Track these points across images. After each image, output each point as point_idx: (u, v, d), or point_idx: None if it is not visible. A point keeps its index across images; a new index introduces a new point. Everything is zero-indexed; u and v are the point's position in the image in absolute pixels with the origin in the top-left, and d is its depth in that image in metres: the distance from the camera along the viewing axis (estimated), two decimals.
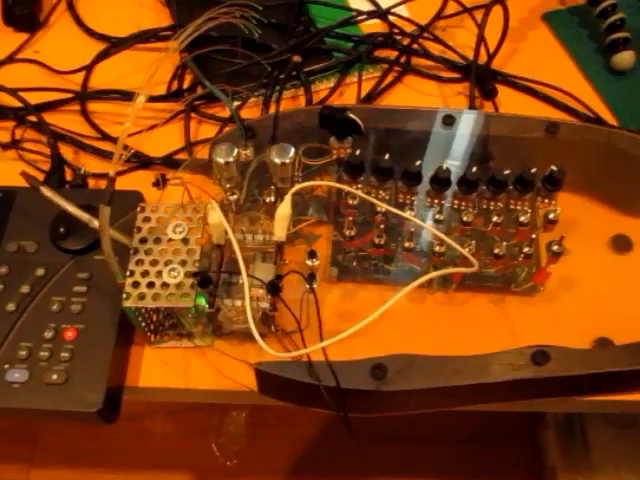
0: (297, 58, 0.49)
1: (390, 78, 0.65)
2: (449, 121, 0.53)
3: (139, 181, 0.55)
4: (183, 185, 0.51)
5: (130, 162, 0.58)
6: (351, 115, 0.48)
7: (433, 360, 0.43)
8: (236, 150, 0.47)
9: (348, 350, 0.44)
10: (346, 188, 0.43)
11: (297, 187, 0.43)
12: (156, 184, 0.52)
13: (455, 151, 0.53)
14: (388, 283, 0.52)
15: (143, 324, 0.47)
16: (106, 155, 0.59)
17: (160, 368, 0.50)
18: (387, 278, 0.52)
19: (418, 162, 0.48)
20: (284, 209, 0.43)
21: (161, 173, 0.52)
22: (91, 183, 0.58)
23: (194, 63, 0.52)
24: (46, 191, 0.47)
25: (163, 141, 0.60)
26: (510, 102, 0.63)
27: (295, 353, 0.39)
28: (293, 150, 0.47)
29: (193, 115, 0.62)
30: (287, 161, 0.47)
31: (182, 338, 0.50)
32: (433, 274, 0.47)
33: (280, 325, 0.47)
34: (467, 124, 0.53)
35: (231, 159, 0.47)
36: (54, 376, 0.45)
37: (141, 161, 0.58)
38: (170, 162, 0.58)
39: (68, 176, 0.58)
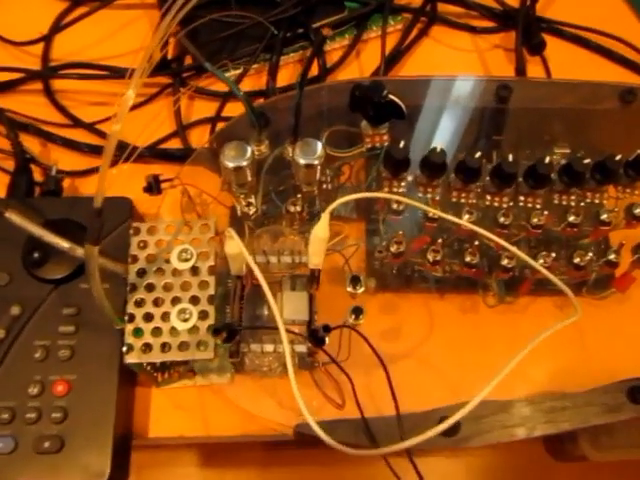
0: (327, 31, 0.38)
1: (415, 32, 0.54)
2: (504, 93, 0.43)
3: (123, 179, 0.45)
4: (184, 193, 0.41)
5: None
6: (393, 97, 0.38)
7: (509, 406, 0.35)
8: (249, 150, 0.37)
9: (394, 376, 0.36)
10: (406, 201, 0.34)
11: (337, 203, 0.33)
12: (148, 189, 0.42)
13: (513, 133, 0.44)
14: (434, 291, 0.44)
15: (148, 367, 0.39)
16: (81, 148, 0.49)
17: (172, 413, 0.42)
18: (433, 285, 0.44)
19: (478, 154, 0.38)
20: (321, 231, 0.33)
21: (153, 175, 0.42)
22: (66, 184, 0.47)
23: (184, 34, 0.40)
24: (13, 217, 0.37)
25: (148, 124, 0.49)
26: (560, 57, 0.53)
27: (362, 452, 0.30)
28: (321, 147, 0.37)
29: (184, 90, 0.51)
30: (315, 162, 0.37)
31: (195, 375, 0.41)
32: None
33: (317, 359, 0.39)
34: (527, 96, 0.44)
35: (244, 163, 0.37)
36: (46, 443, 0.37)
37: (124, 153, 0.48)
38: (160, 153, 0.48)
39: (38, 175, 0.48)
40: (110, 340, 0.39)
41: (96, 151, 0.48)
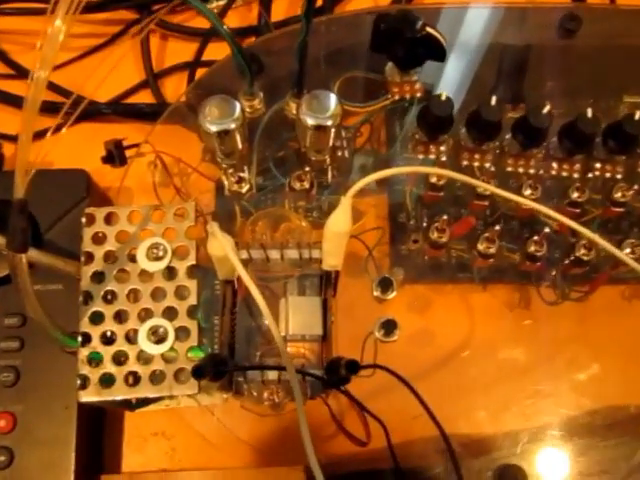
0: None
1: None
2: (571, 25, 0.33)
3: (77, 145, 0.35)
4: (155, 163, 0.32)
5: (59, 112, 0.38)
6: (431, 30, 0.28)
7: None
8: (238, 107, 0.27)
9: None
10: (452, 175, 0.24)
11: (363, 183, 0.24)
12: (109, 159, 0.33)
13: (574, 78, 0.34)
14: (472, 281, 0.35)
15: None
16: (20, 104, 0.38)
17: (152, 442, 0.33)
18: (471, 275, 0.35)
19: (547, 108, 0.28)
20: (340, 223, 0.24)
21: (114, 140, 0.33)
22: (8, 152, 0.37)
23: None
24: None
25: (109, 72, 0.39)
26: None
27: None
28: (336, 102, 0.27)
29: (154, 27, 0.40)
30: (328, 123, 0.27)
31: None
32: None
33: None
34: (597, 29, 0.33)
35: (232, 125, 0.27)
36: None
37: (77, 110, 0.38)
38: (125, 110, 0.38)
39: None
40: (66, 359, 0.30)
41: (50, 109, 0.38)
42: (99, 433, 0.33)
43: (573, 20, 0.32)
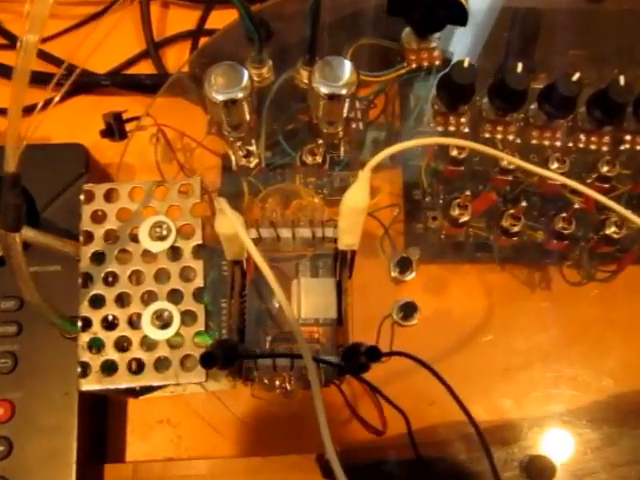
0: None
1: None
2: None
3: (75, 118, 0.34)
4: (158, 136, 0.30)
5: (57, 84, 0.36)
6: None
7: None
8: (246, 75, 0.25)
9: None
10: (484, 149, 0.22)
11: (382, 156, 0.22)
12: (108, 133, 0.31)
13: (599, 46, 0.32)
14: (490, 261, 0.33)
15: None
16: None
17: (157, 430, 0.32)
18: (490, 255, 0.33)
19: (576, 75, 0.26)
20: (357, 199, 0.22)
21: (113, 113, 0.31)
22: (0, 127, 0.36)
23: None
24: None
25: (107, 42, 0.37)
26: None
27: None
28: (351, 69, 0.25)
29: None
30: (342, 92, 0.25)
31: None
32: None
33: None
34: None
35: (240, 94, 0.25)
36: None
37: (78, 82, 0.36)
38: (125, 81, 0.36)
39: None
40: (66, 344, 0.28)
41: (45, 80, 0.36)
42: (102, 420, 0.31)
43: None
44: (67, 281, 0.29)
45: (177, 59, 0.37)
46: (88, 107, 0.36)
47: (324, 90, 0.25)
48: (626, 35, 0.32)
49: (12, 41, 0.37)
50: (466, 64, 0.26)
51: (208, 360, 0.20)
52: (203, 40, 0.36)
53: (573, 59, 0.33)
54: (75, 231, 0.27)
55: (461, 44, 0.32)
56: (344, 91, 0.25)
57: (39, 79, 0.32)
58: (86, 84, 0.35)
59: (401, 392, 0.28)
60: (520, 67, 0.26)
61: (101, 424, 0.31)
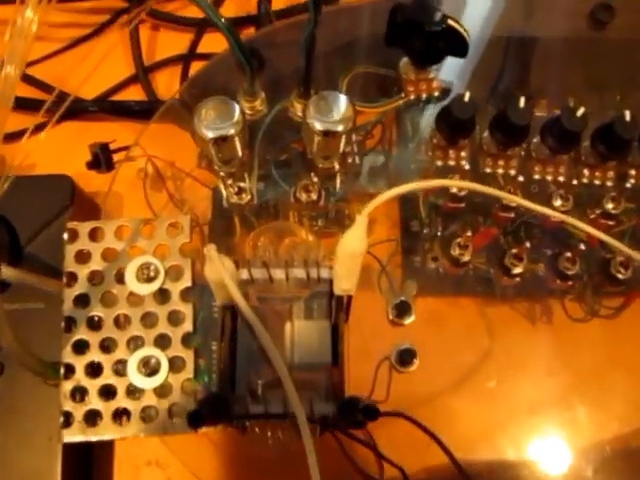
0: None
1: None
2: (603, 16, 0.30)
3: (62, 145, 0.32)
4: (148, 164, 0.29)
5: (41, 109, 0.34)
6: (453, 23, 0.25)
7: None
8: (238, 110, 0.24)
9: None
10: (486, 190, 0.21)
11: (379, 200, 0.21)
12: (94, 164, 0.30)
13: (600, 74, 0.31)
14: (490, 293, 0.32)
15: None
16: None
17: (142, 472, 0.31)
18: (490, 288, 0.32)
19: (581, 110, 0.25)
20: (355, 244, 0.21)
21: (99, 144, 0.30)
22: None
23: None
24: None
25: (96, 66, 0.36)
26: None
27: None
28: (347, 104, 0.24)
29: (144, 17, 0.37)
30: (339, 128, 0.24)
31: None
32: None
33: None
34: (630, 21, 0.30)
35: (231, 130, 0.24)
36: None
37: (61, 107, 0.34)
38: (113, 107, 0.35)
39: None
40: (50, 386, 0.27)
41: (31, 106, 0.35)
42: (87, 463, 0.30)
43: (607, 10, 0.29)
44: (50, 319, 0.27)
45: (167, 84, 0.36)
46: (74, 133, 0.35)
47: (319, 127, 0.24)
48: (628, 63, 0.32)
49: None
50: (466, 98, 0.25)
51: (196, 420, 0.19)
52: (195, 64, 0.35)
53: (573, 85, 0.32)
54: (60, 266, 0.26)
55: (450, 70, 0.31)
56: (340, 128, 0.24)
57: (23, 104, 0.32)
58: (73, 110, 0.34)
59: (398, 432, 0.27)
60: (522, 102, 0.25)
61: (86, 467, 0.30)
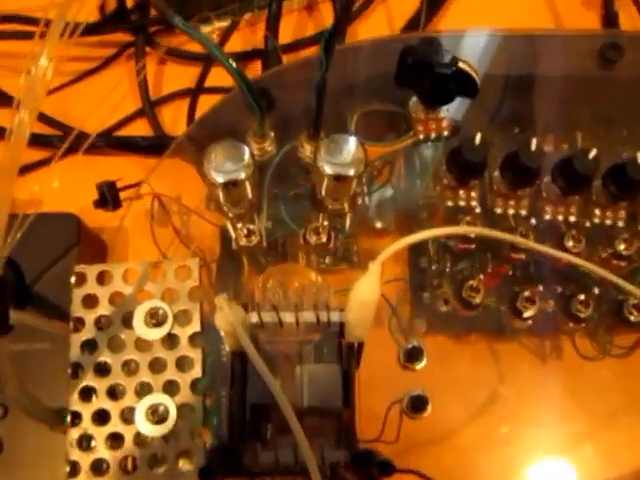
0: None
1: None
2: (612, 55, 0.30)
3: (66, 179, 0.32)
4: (155, 202, 0.29)
5: (47, 144, 0.34)
6: (464, 66, 0.25)
7: None
8: (247, 153, 0.24)
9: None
10: (500, 235, 0.21)
11: (392, 249, 0.21)
12: (101, 203, 0.29)
13: (607, 113, 0.31)
14: (501, 332, 0.31)
15: None
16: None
17: None
18: (501, 326, 0.31)
19: (593, 152, 0.25)
20: (369, 292, 0.21)
21: (106, 183, 0.29)
22: None
23: None
24: None
25: (102, 99, 0.36)
26: None
27: None
28: (358, 147, 0.24)
29: (149, 50, 0.37)
30: (350, 173, 0.24)
31: None
32: None
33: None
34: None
35: (242, 174, 0.24)
36: None
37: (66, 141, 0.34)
38: (119, 143, 0.34)
39: None
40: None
41: (38, 141, 0.35)
42: None
43: (615, 49, 0.29)
44: (56, 359, 0.27)
45: (174, 118, 0.36)
46: (80, 168, 0.34)
47: (330, 171, 0.24)
48: (637, 100, 0.32)
49: (3, 98, 0.36)
50: (477, 141, 0.25)
51: (207, 475, 0.19)
52: (202, 98, 0.35)
53: (580, 120, 0.32)
54: (66, 305, 0.26)
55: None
56: (352, 172, 0.24)
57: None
58: (78, 144, 0.34)
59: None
60: (534, 144, 0.25)
61: None
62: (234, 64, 0.24)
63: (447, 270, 0.31)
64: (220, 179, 0.24)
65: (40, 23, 0.23)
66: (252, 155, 0.24)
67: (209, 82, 0.36)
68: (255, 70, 0.37)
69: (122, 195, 0.30)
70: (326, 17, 0.38)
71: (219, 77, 0.36)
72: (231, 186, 0.24)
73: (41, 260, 0.29)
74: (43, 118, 0.35)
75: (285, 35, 0.37)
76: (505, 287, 0.29)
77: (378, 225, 0.31)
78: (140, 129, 0.35)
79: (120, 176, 0.31)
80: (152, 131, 0.35)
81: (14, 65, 0.37)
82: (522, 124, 0.31)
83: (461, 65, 0.25)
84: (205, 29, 0.37)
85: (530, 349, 0.32)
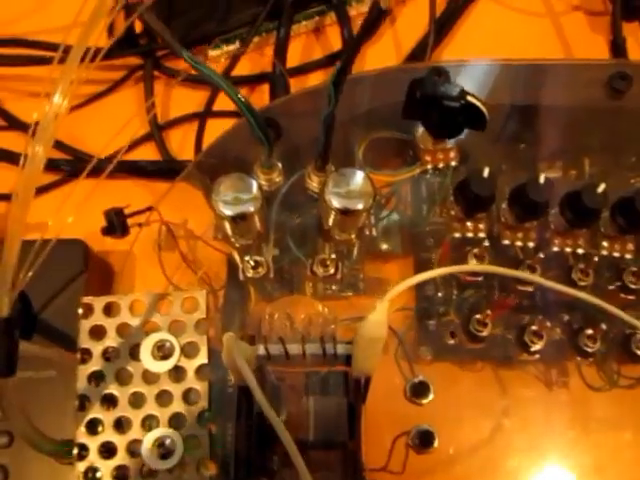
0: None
1: None
2: (620, 85, 0.30)
3: (73, 203, 0.32)
4: (162, 229, 0.29)
5: (54, 168, 0.34)
6: (472, 99, 0.25)
7: None
8: (255, 186, 0.24)
9: None
10: (509, 272, 0.21)
11: (400, 288, 0.21)
12: (109, 230, 0.30)
13: (615, 143, 0.31)
14: (510, 364, 0.31)
15: None
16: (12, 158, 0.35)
17: None
18: (507, 354, 0.31)
19: (602, 186, 0.25)
20: (376, 329, 0.21)
21: (114, 210, 0.30)
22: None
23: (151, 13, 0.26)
24: None
25: (109, 123, 0.36)
26: None
27: None
28: (366, 181, 0.24)
29: (157, 74, 0.37)
30: (359, 207, 0.24)
31: None
32: None
33: None
34: None
35: (250, 207, 0.24)
36: None
37: (76, 166, 0.35)
38: (126, 167, 0.35)
39: None
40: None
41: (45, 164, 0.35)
42: None
43: (623, 79, 0.29)
44: (62, 388, 0.27)
45: (182, 142, 0.36)
46: (87, 192, 0.34)
47: (337, 205, 0.24)
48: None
49: (10, 122, 0.36)
50: (485, 174, 0.25)
51: None
52: (210, 122, 0.35)
53: (588, 147, 0.32)
54: (73, 333, 0.26)
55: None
56: (360, 206, 0.24)
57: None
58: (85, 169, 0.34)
59: None
60: (542, 178, 0.25)
61: None
62: (242, 98, 0.24)
63: (454, 298, 0.31)
64: (228, 212, 0.24)
65: (59, 49, 0.23)
66: (260, 188, 0.24)
67: (217, 106, 0.36)
68: (263, 93, 0.37)
69: (129, 221, 0.31)
70: (333, 40, 0.39)
71: (227, 101, 0.36)
72: (239, 219, 0.24)
73: (48, 287, 0.30)
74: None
75: (293, 58, 0.37)
76: (512, 316, 0.29)
77: (384, 247, 0.31)
78: (148, 152, 0.35)
79: (127, 200, 0.31)
80: (160, 155, 0.35)
81: (25, 89, 0.37)
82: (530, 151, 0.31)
83: (469, 98, 0.25)
84: (214, 53, 0.37)
85: (537, 377, 0.31)
